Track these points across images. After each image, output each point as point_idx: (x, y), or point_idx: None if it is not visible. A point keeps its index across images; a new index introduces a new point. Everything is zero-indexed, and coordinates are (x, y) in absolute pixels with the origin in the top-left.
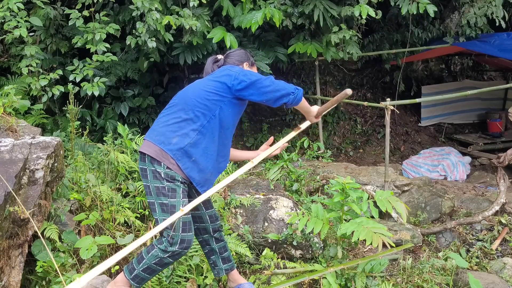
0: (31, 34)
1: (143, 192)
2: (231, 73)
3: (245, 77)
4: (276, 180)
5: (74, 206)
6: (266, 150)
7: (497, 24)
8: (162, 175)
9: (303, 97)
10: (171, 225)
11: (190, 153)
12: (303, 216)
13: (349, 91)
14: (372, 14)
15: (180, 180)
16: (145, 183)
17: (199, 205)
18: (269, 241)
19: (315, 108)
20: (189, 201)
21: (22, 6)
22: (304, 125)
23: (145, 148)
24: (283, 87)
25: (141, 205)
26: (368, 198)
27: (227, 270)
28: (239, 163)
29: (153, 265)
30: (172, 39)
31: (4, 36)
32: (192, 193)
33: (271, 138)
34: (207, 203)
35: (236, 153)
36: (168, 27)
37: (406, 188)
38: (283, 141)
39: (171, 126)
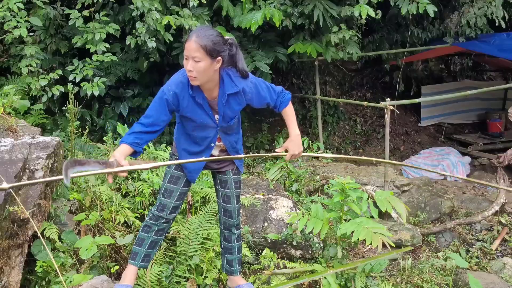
0: (31, 34)
1: (143, 192)
2: None
3: None
4: (276, 180)
5: (74, 206)
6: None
7: (497, 24)
8: None
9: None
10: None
11: None
12: (303, 216)
13: None
14: (372, 14)
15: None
16: None
17: (219, 194)
18: (269, 241)
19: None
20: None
21: (22, 6)
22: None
23: None
24: None
25: (141, 205)
26: (368, 198)
27: (227, 271)
28: None
29: (140, 233)
30: (172, 39)
31: (4, 36)
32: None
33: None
34: (227, 197)
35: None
36: (168, 27)
37: (406, 188)
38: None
39: None
